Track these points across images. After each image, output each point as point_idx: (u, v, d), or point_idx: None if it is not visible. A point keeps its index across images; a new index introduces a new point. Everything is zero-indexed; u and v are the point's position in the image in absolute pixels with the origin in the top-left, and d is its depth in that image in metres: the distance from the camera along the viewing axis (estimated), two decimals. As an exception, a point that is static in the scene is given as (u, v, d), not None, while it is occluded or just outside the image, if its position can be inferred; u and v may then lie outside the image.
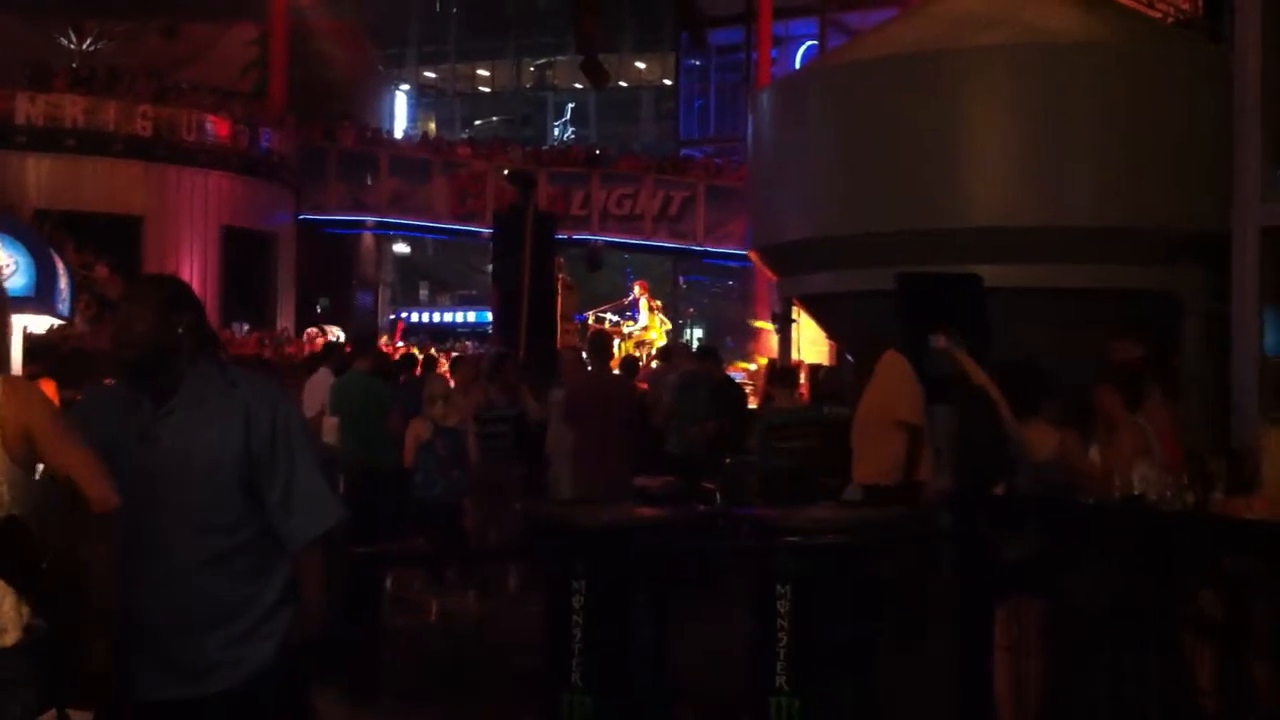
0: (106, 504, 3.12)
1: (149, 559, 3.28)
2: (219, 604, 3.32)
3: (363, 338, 12.37)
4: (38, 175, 24.60)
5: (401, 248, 42.10)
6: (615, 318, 24.14)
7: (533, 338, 15.31)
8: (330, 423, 9.99)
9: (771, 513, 6.92)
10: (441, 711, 6.76)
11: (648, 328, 23.58)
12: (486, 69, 56.91)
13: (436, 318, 44.81)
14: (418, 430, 9.08)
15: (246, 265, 27.13)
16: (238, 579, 3.35)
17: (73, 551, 3.17)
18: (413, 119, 47.88)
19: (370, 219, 31.04)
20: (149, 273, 4.89)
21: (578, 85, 48.49)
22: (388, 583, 9.31)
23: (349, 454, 9.59)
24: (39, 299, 20.02)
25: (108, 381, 3.69)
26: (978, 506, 6.03)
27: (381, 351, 15.11)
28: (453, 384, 10.43)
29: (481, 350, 20.41)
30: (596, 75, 20.39)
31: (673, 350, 15.09)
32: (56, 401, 3.46)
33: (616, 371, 12.36)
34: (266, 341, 20.52)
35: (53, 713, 3.93)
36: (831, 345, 18.51)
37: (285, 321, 27.55)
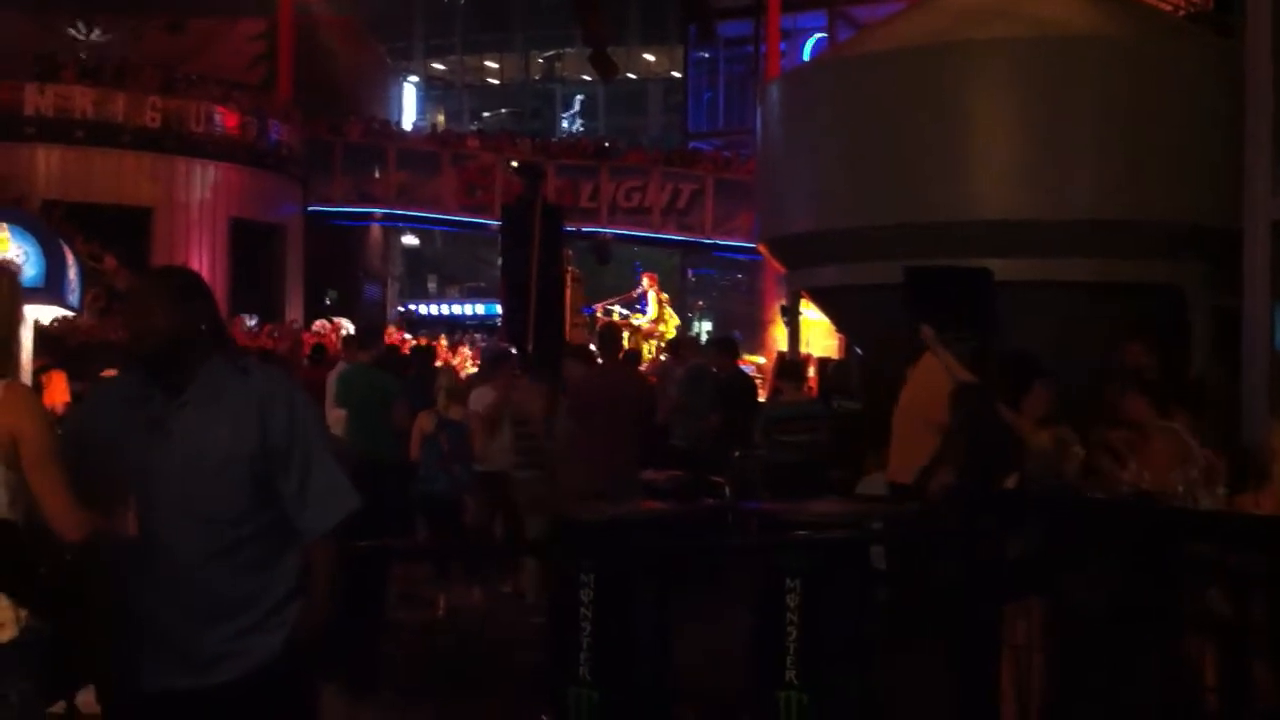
0: (76, 534, 3.11)
1: (157, 552, 3.28)
2: (226, 596, 3.32)
3: (367, 330, 12.35)
4: (46, 166, 24.65)
5: (410, 240, 42.11)
6: (624, 310, 24.13)
7: (541, 330, 15.30)
8: (337, 415, 9.99)
9: (779, 507, 6.92)
10: (441, 706, 6.76)
11: (657, 320, 23.56)
12: (495, 61, 56.88)
13: (444, 310, 44.79)
14: (422, 423, 9.07)
15: (254, 257, 27.17)
16: (245, 572, 3.35)
17: (72, 555, 3.17)
18: (421, 111, 47.84)
19: (378, 211, 31.05)
20: (162, 264, 4.87)
21: (586, 77, 48.45)
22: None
23: (352, 446, 9.57)
24: (48, 290, 20.02)
25: (109, 373, 3.68)
26: (982, 502, 6.02)
27: (390, 344, 15.14)
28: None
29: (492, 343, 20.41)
30: (605, 68, 20.39)
31: (681, 343, 15.08)
32: (68, 393, 3.47)
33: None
34: (276, 334, 20.52)
35: (61, 704, 3.95)
36: (840, 338, 18.50)
37: (294, 313, 27.58)
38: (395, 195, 30.15)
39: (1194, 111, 10.94)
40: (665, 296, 25.03)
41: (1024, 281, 10.56)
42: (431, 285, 51.36)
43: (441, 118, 49.94)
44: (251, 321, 24.21)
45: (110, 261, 22.77)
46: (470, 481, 9.18)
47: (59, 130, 24.57)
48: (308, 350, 16.43)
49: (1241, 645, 5.45)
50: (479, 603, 9.14)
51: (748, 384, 13.23)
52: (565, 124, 53.26)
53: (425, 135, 33.46)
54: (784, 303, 14.98)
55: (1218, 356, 10.02)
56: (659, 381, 12.82)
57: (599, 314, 23.53)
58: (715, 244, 30.28)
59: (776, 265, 15.55)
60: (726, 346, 13.76)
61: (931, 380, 7.63)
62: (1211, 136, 10.69)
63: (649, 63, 51.96)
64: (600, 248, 27.86)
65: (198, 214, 26.15)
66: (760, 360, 22.47)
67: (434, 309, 44.51)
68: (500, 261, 18.37)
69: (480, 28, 54.24)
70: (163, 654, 3.29)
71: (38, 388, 9.58)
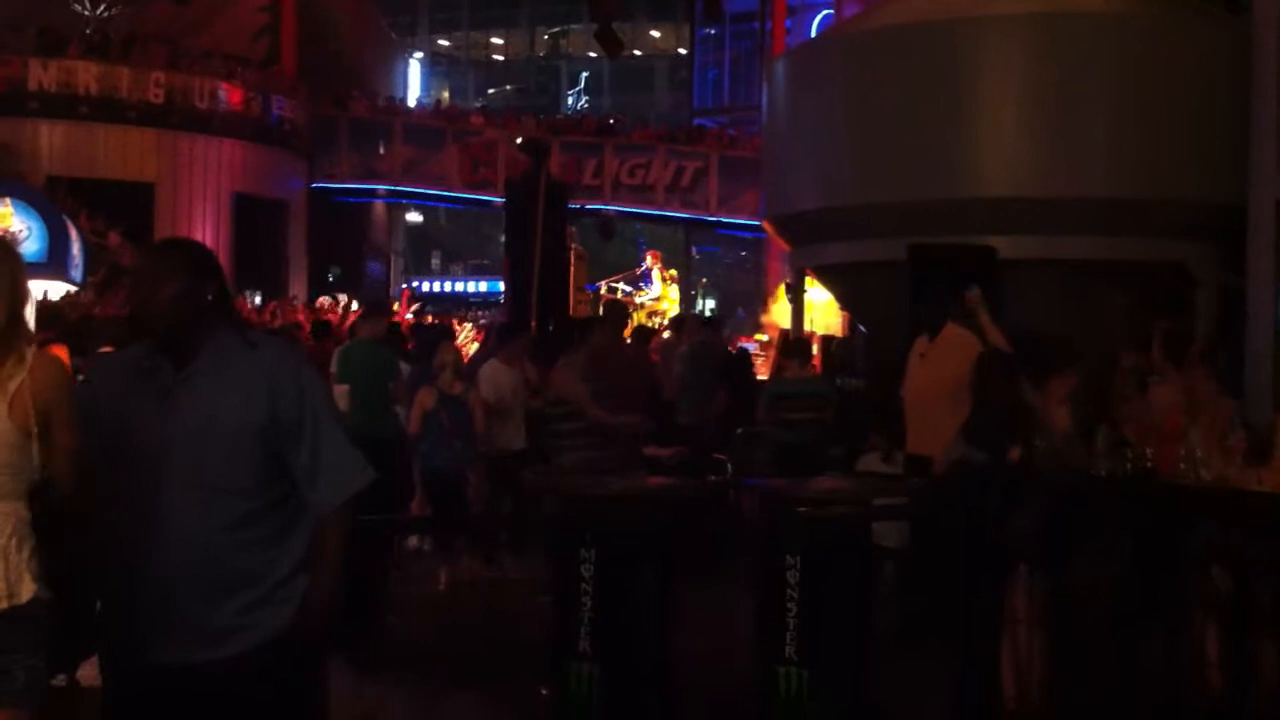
0: (68, 485, 3.13)
1: (166, 523, 3.27)
2: (234, 569, 3.32)
3: (370, 305, 12.33)
4: (50, 142, 24.64)
5: (414, 216, 42.09)
6: (628, 287, 24.12)
7: (545, 307, 15.29)
8: (340, 389, 9.99)
9: (781, 484, 6.91)
10: (446, 680, 6.77)
11: (660, 298, 23.56)
12: (500, 38, 56.76)
13: (448, 287, 44.80)
14: (424, 399, 9.05)
15: (258, 233, 27.17)
16: (254, 545, 3.34)
17: (82, 527, 3.18)
18: (426, 88, 47.76)
19: (382, 188, 31.03)
20: (169, 237, 4.90)
21: (592, 54, 48.32)
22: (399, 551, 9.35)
23: (352, 422, 9.58)
24: (52, 265, 20.10)
25: (108, 349, 3.68)
26: (988, 478, 6.01)
27: (394, 321, 15.13)
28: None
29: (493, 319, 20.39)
30: (610, 44, 20.32)
31: (684, 320, 15.06)
32: (69, 367, 3.47)
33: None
34: (278, 312, 20.50)
35: (63, 678, 3.94)
36: (844, 316, 18.48)
37: (297, 290, 27.59)
38: (400, 172, 30.12)
39: (1204, 90, 10.90)
40: (671, 273, 25.02)
41: (1030, 259, 10.54)
42: (435, 262, 51.37)
43: (446, 94, 49.84)
44: (256, 298, 24.23)
45: (114, 237, 22.79)
46: (473, 456, 9.16)
47: (63, 106, 24.55)
48: (308, 326, 16.41)
49: (1244, 623, 5.45)
50: (481, 578, 9.16)
51: (741, 362, 13.24)
52: (570, 101, 53.18)
53: (430, 112, 33.39)
54: (789, 280, 14.97)
55: (1223, 334, 9.99)
56: (662, 358, 12.80)
57: (603, 291, 23.53)
58: (719, 221, 30.25)
59: (781, 243, 15.52)
60: (711, 324, 13.76)
61: (957, 352, 7.60)
62: (1221, 115, 10.65)
63: (655, 39, 51.85)
64: (604, 224, 27.82)
65: (201, 190, 26.14)
66: (763, 338, 22.44)
67: (438, 286, 44.52)
68: (504, 238, 18.33)
69: (486, 4, 54.12)
70: (170, 626, 3.28)
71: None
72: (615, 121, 32.33)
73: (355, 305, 21.61)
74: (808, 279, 14.60)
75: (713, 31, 37.00)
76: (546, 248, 15.54)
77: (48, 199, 21.69)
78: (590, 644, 5.82)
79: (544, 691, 6.16)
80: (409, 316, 21.06)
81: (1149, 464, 6.19)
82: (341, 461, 3.43)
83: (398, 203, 34.79)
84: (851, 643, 5.79)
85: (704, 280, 38.99)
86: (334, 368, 10.16)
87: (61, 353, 8.45)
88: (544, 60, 55.58)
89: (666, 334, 15.68)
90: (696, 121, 34.03)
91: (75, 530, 3.20)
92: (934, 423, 7.41)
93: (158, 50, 26.00)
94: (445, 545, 9.54)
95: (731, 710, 6.29)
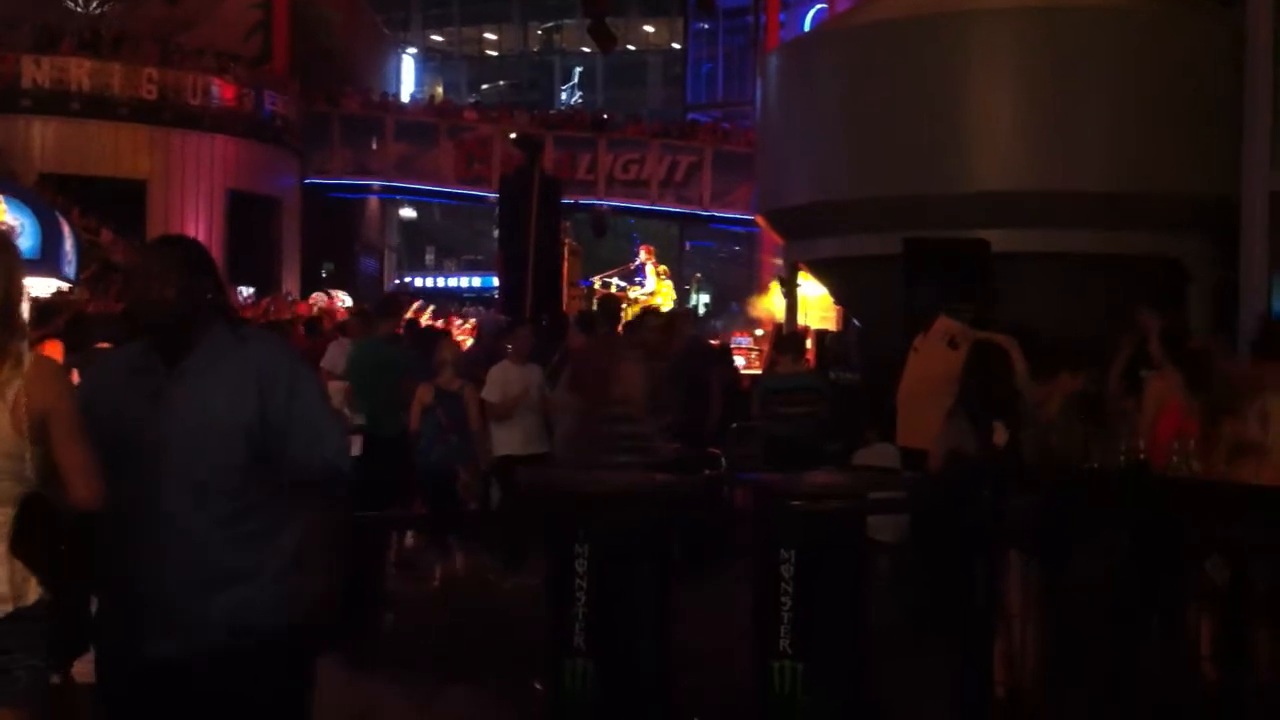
0: (92, 503, 3.10)
1: (156, 519, 3.27)
2: (226, 565, 3.31)
3: (382, 303, 12.32)
4: (43, 138, 24.61)
5: (407, 212, 42.06)
6: (621, 283, 24.12)
7: (539, 302, 15.28)
8: (336, 386, 9.98)
9: (776, 478, 6.90)
10: (442, 676, 6.76)
11: (654, 293, 23.57)
12: (493, 33, 56.68)
13: (442, 283, 44.77)
14: (422, 396, 9.08)
15: (251, 229, 27.13)
16: (246, 541, 3.34)
17: (85, 530, 3.17)
18: (419, 83, 47.70)
19: (376, 183, 31.02)
20: (165, 235, 4.92)
21: (585, 49, 48.28)
22: (400, 547, 9.36)
23: (361, 419, 9.61)
24: (44, 261, 20.05)
25: (102, 345, 3.67)
26: (983, 469, 6.01)
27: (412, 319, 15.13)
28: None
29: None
30: (604, 39, 20.30)
31: (677, 316, 15.06)
32: (63, 366, 3.46)
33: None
34: (272, 309, 20.48)
35: (56, 676, 3.93)
36: (838, 310, 18.49)
37: (290, 286, 27.56)
38: (393, 167, 30.10)
39: (1198, 84, 10.90)
40: (663, 269, 25.03)
41: (1024, 254, 10.56)
42: (429, 258, 51.32)
43: (439, 89, 49.75)
44: (247, 293, 24.19)
45: (106, 234, 22.75)
46: (467, 451, 9.17)
47: (55, 102, 24.51)
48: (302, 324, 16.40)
49: (1239, 615, 5.46)
50: (475, 573, 9.17)
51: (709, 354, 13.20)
52: (564, 96, 53.11)
53: (423, 107, 33.37)
54: (782, 275, 14.97)
55: (1217, 328, 10.01)
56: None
57: (597, 286, 23.53)
58: (713, 216, 30.26)
59: (775, 237, 15.53)
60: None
61: (950, 349, 7.61)
62: (1216, 109, 10.66)
63: (648, 34, 51.79)
64: (597, 219, 27.82)
65: (194, 186, 26.10)
66: (758, 332, 22.46)
67: (431, 282, 44.48)
68: (498, 234, 18.33)
69: (478, -1, 54.05)
70: (162, 621, 3.28)
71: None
72: (608, 117, 32.31)
73: (350, 301, 21.61)
74: (801, 273, 14.60)
75: (706, 26, 36.99)
76: (540, 243, 15.55)
77: (39, 195, 21.66)
78: (585, 640, 5.81)
79: (538, 687, 6.17)
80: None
81: (1142, 457, 6.20)
82: (328, 444, 3.43)
83: (391, 199, 34.76)
84: (847, 637, 5.79)
85: (697, 275, 38.97)
86: (339, 364, 10.19)
87: (55, 350, 8.44)
88: (537, 55, 55.50)
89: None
90: (690, 116, 34.01)
91: (76, 536, 3.20)
92: (924, 415, 7.42)
93: (150, 47, 25.97)
94: (440, 542, 9.54)
95: (727, 705, 6.28)
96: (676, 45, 44.11)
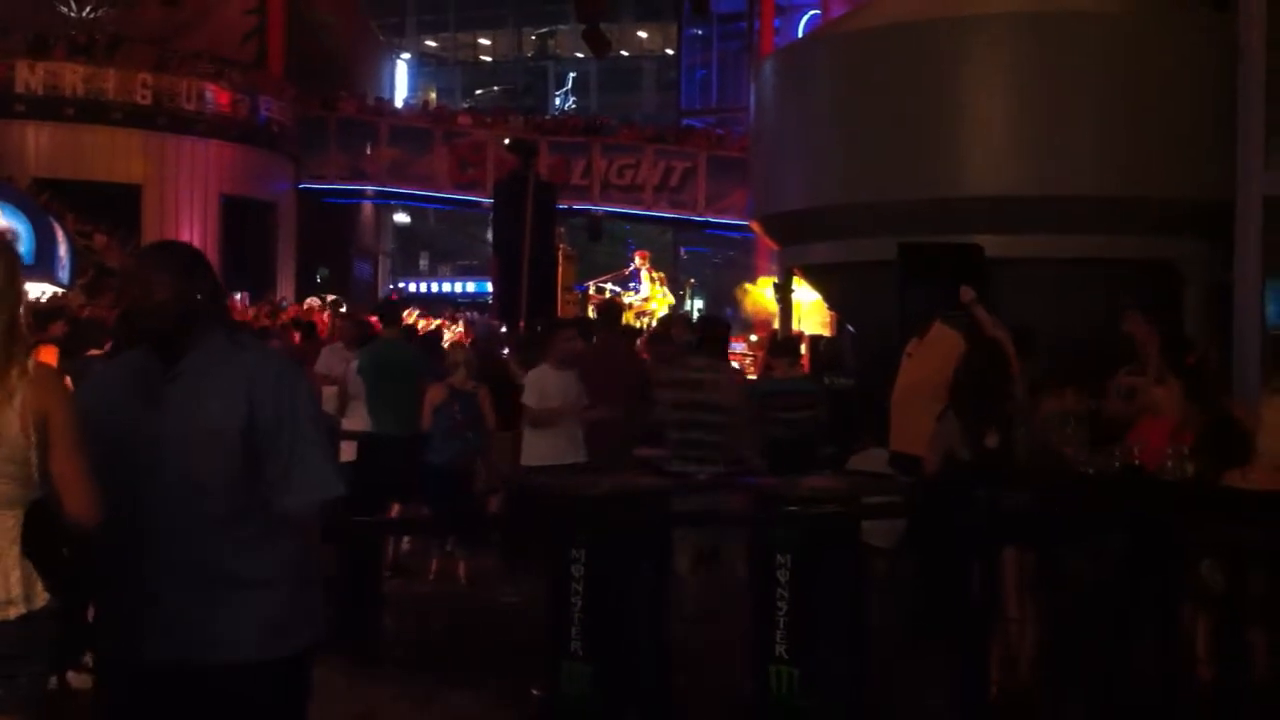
0: (88, 517, 3.11)
1: (152, 523, 3.28)
2: (222, 570, 3.31)
3: (391, 306, 12.37)
4: (37, 144, 24.59)
5: (402, 217, 42.05)
6: (616, 288, 24.11)
7: (534, 307, 15.29)
8: (329, 391, 10.00)
9: (772, 482, 6.91)
10: (442, 679, 6.77)
11: (649, 298, 23.56)
12: (487, 38, 56.69)
13: (436, 288, 44.76)
14: (434, 395, 9.21)
15: (246, 234, 27.13)
16: (241, 546, 3.34)
17: (86, 536, 3.18)
18: (413, 88, 47.70)
19: (370, 188, 31.02)
20: (163, 240, 4.96)
21: (579, 54, 48.29)
22: (390, 550, 9.35)
23: (376, 420, 9.66)
24: (38, 266, 20.03)
25: (95, 352, 3.67)
26: (977, 473, 6.03)
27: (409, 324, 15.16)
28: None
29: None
30: (598, 44, 20.36)
31: (672, 321, 15.07)
32: (57, 367, 3.47)
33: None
34: (267, 313, 20.47)
35: (54, 680, 3.93)
36: (832, 316, 18.50)
37: (285, 291, 27.54)
38: (387, 172, 30.10)
39: (1191, 88, 10.93)
40: (659, 275, 25.03)
41: (1018, 258, 10.57)
42: (423, 263, 51.31)
43: (434, 94, 49.76)
44: (240, 297, 24.15)
45: (100, 239, 22.73)
46: (483, 447, 9.33)
47: (49, 107, 24.49)
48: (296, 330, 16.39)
49: (1234, 617, 5.47)
50: (477, 572, 9.20)
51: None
52: (558, 101, 53.11)
53: (418, 112, 33.37)
54: (776, 280, 14.99)
55: (1211, 331, 10.03)
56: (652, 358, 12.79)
57: (591, 291, 23.53)
58: (708, 221, 30.25)
59: (769, 242, 15.54)
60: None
61: (941, 349, 7.63)
62: (1209, 113, 10.68)
63: (642, 40, 51.82)
64: (592, 224, 27.82)
65: (189, 191, 26.09)
66: (752, 338, 22.46)
67: (425, 286, 44.47)
68: (492, 238, 18.34)
69: (473, 4, 54.01)
70: (160, 626, 3.28)
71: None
72: (603, 122, 32.32)
73: (343, 307, 21.59)
74: (795, 278, 14.62)
75: (700, 32, 37.04)
76: (535, 248, 15.55)
77: (34, 200, 21.64)
78: (582, 644, 5.81)
79: (535, 692, 6.17)
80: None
81: (1136, 460, 6.22)
82: (314, 473, 3.40)
83: (386, 203, 34.75)
84: (843, 641, 5.79)
85: (692, 280, 38.99)
86: (334, 368, 10.23)
87: (50, 355, 8.44)
88: (531, 61, 55.50)
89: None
90: (684, 122, 34.03)
91: (76, 542, 3.20)
92: (917, 420, 7.43)
93: (145, 52, 25.94)
94: (441, 542, 9.58)
95: (725, 709, 6.29)
96: (670, 51, 44.17)
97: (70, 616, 3.30)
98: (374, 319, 11.90)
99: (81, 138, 24.70)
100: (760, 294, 22.76)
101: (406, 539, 9.95)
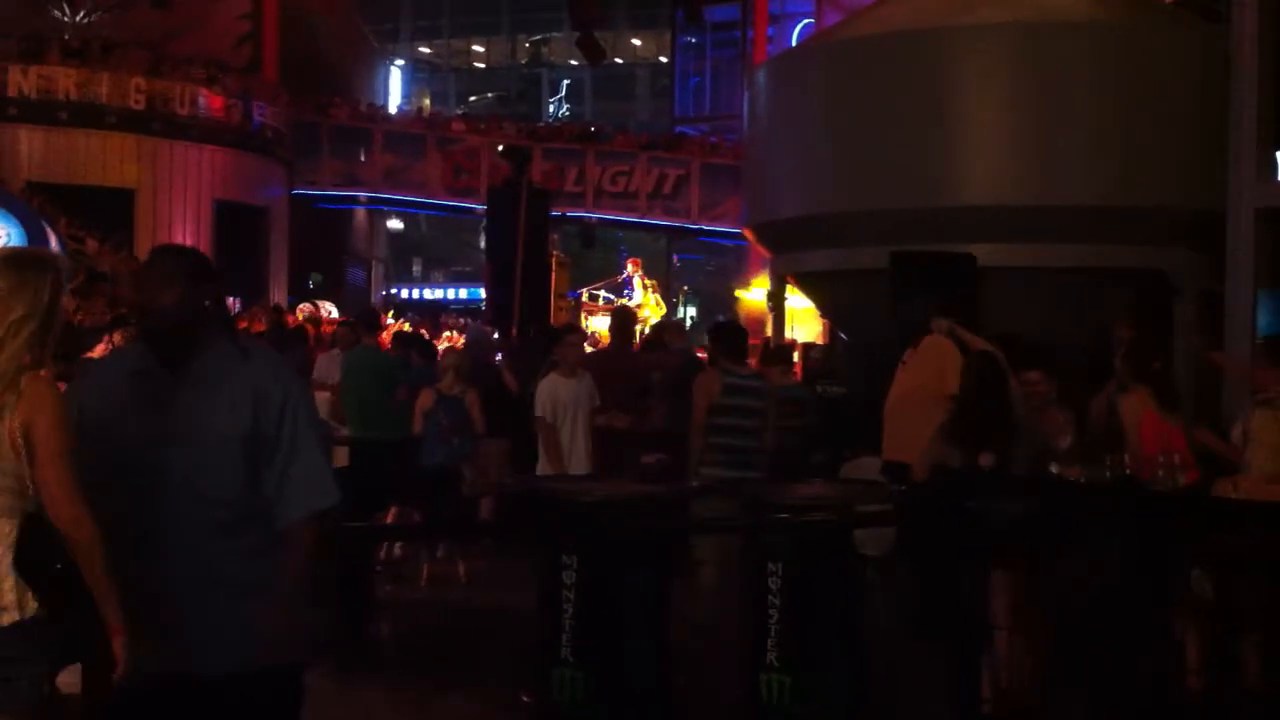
0: (71, 527, 3.10)
1: (155, 528, 3.28)
2: (225, 578, 3.32)
3: (372, 314, 12.41)
4: (29, 147, 24.53)
5: (395, 223, 42.01)
6: (609, 295, 24.13)
7: (527, 314, 15.27)
8: (323, 396, 10.03)
9: (764, 489, 6.92)
10: (434, 685, 6.76)
11: (641, 305, 23.58)
12: (481, 45, 56.73)
13: (429, 294, 44.72)
14: (423, 401, 9.40)
15: (239, 240, 27.02)
16: (244, 554, 3.35)
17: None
18: (407, 94, 47.71)
19: (364, 194, 30.98)
20: (170, 245, 4.99)
21: (573, 62, 48.33)
22: (382, 555, 9.36)
23: (352, 426, 9.72)
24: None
25: (90, 355, 3.68)
26: (969, 483, 6.04)
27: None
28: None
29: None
30: (592, 52, 20.38)
31: (666, 328, 15.08)
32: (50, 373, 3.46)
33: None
34: (261, 318, 20.43)
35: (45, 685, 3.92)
36: (824, 324, 18.52)
37: (278, 297, 27.49)
38: (381, 178, 30.07)
39: (1184, 98, 10.95)
40: (651, 282, 25.04)
41: (1011, 267, 10.59)
42: (416, 269, 51.28)
43: (428, 101, 49.77)
44: (231, 303, 24.11)
45: (93, 243, 22.69)
46: (470, 452, 9.41)
47: (42, 111, 24.44)
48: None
49: (1224, 627, 5.49)
50: (470, 576, 9.22)
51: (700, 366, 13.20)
52: (552, 108, 53.14)
53: (411, 118, 33.35)
54: (770, 289, 14.99)
55: (1203, 340, 10.04)
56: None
57: (584, 298, 23.54)
58: (701, 229, 30.25)
59: (762, 250, 15.54)
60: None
61: (934, 360, 7.64)
62: (1201, 123, 10.70)
63: (636, 47, 51.87)
64: (585, 231, 27.81)
65: (182, 196, 26.04)
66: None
67: (418, 293, 44.43)
68: (485, 245, 18.30)
69: (467, 11, 54.05)
70: (161, 633, 3.27)
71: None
72: (596, 129, 32.33)
73: (336, 312, 21.60)
74: (789, 287, 14.63)
75: (694, 40, 37.05)
76: (528, 255, 15.53)
77: (26, 204, 21.59)
78: (573, 650, 5.81)
79: (525, 699, 6.16)
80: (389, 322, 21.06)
81: (1127, 471, 6.23)
82: (310, 481, 3.41)
83: (379, 209, 34.73)
84: (836, 649, 5.79)
85: (685, 288, 39.01)
86: (332, 375, 10.29)
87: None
88: (525, 67, 55.54)
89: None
90: (678, 129, 34.05)
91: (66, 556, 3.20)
92: (910, 430, 7.43)
93: (138, 56, 25.90)
94: (432, 547, 9.61)
95: (718, 716, 6.30)
96: (664, 58, 44.19)
97: (61, 622, 3.30)
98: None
99: (75, 142, 24.65)
100: (752, 300, 22.77)
101: (399, 544, 9.96)
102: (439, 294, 44.83)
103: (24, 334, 3.16)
